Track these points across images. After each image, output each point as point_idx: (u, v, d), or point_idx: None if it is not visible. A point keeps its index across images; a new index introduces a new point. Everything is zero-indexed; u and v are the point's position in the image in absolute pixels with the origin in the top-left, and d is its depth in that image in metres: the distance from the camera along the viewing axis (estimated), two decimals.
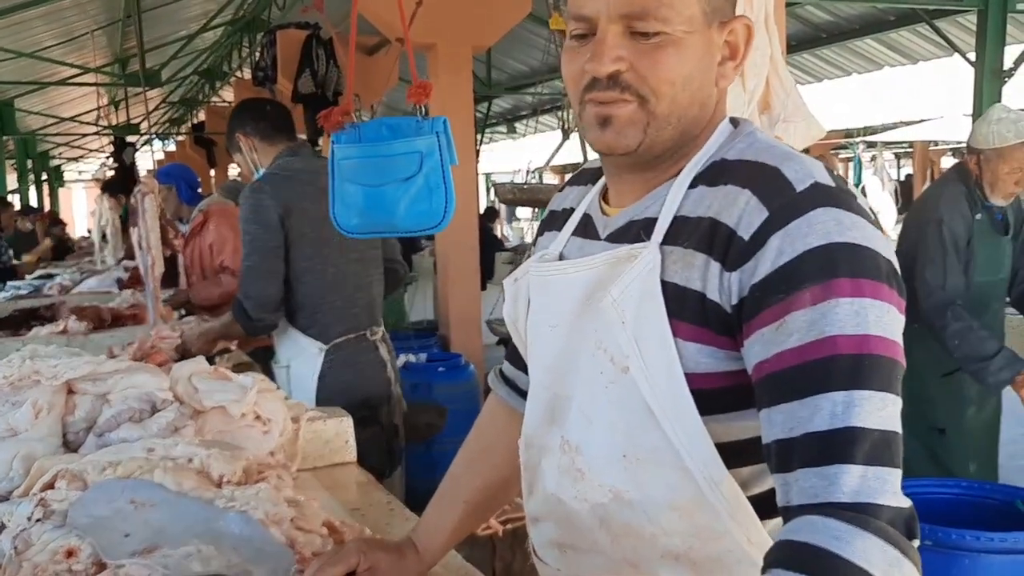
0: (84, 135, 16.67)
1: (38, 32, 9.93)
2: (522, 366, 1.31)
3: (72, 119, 15.34)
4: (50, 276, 6.57)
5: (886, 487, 0.86)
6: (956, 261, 3.23)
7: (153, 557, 1.29)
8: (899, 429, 0.89)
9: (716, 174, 1.02)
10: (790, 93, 2.27)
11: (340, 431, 2.04)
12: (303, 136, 5.48)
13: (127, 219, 4.82)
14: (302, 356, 2.79)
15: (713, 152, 1.05)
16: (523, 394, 1.29)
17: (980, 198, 3.31)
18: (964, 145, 3.48)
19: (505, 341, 6.97)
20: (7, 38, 9.31)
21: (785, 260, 0.91)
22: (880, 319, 0.89)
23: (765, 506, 1.00)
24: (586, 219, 1.16)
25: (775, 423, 0.91)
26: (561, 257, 1.16)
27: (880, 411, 0.88)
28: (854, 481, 0.86)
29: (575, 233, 1.17)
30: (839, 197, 0.94)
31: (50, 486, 1.51)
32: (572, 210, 1.21)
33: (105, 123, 13.51)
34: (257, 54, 7.49)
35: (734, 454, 1.00)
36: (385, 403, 2.88)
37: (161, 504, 1.42)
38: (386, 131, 2.23)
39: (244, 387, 1.83)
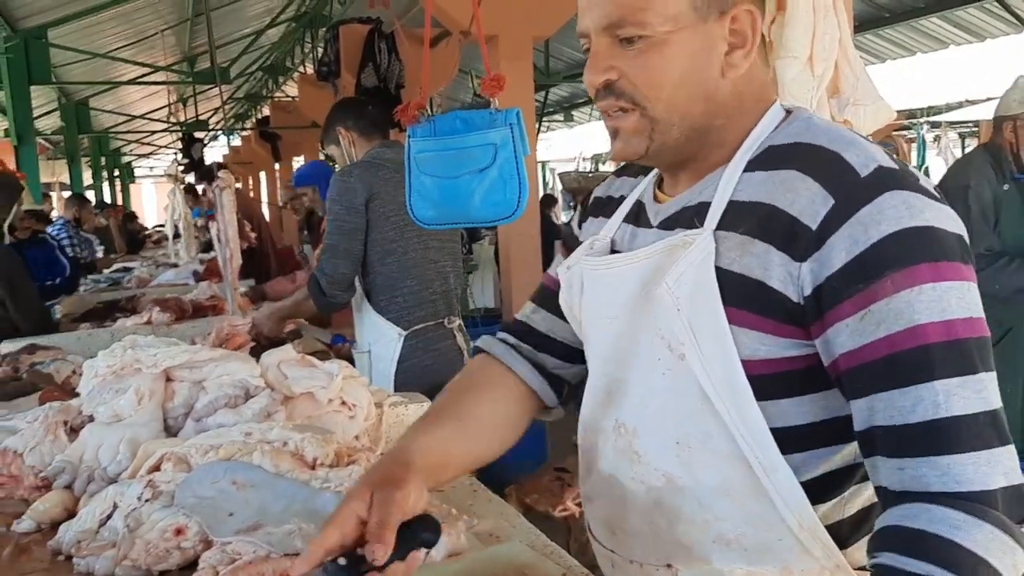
0: (153, 132, 17.06)
1: (110, 34, 10.21)
2: (534, 342, 1.34)
3: (142, 117, 15.74)
4: (127, 270, 6.79)
5: (999, 467, 0.86)
6: (983, 224, 3.21)
7: (257, 535, 1.35)
8: (999, 403, 0.89)
9: (771, 158, 1.01)
10: (859, 76, 2.25)
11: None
12: None
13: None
14: (382, 340, 2.86)
15: (766, 136, 1.03)
16: (526, 358, 1.33)
17: (1010, 170, 3.27)
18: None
19: None
20: (81, 40, 9.61)
21: (861, 249, 0.89)
22: (963, 299, 0.89)
23: (816, 491, 1.01)
24: (638, 206, 1.16)
25: (876, 410, 0.91)
26: (612, 244, 1.17)
27: (979, 393, 0.88)
28: (968, 470, 0.86)
29: (626, 220, 1.17)
30: (904, 179, 0.93)
31: (156, 468, 1.59)
32: (623, 198, 1.21)
33: (174, 120, 13.84)
34: (320, 49, 7.60)
35: (788, 440, 0.99)
36: None
37: (261, 485, 1.48)
38: (460, 124, 2.28)
39: (331, 374, 1.90)
